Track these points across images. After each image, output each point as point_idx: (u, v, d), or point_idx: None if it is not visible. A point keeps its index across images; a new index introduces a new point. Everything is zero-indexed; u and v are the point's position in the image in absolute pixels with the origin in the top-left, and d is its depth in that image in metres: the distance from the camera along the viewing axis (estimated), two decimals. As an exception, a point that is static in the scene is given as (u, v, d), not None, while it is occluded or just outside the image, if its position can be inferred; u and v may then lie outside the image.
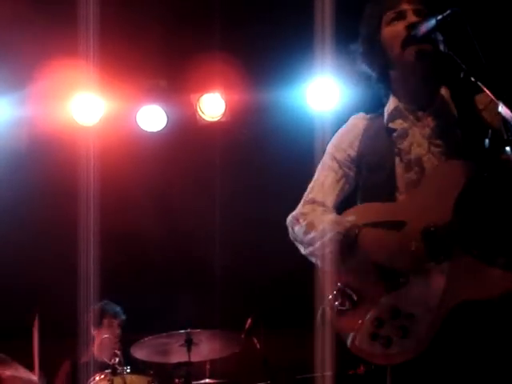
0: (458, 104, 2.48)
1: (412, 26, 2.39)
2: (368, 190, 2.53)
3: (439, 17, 2.23)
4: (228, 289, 5.70)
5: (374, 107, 2.65)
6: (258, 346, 5.00)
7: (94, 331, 5.38)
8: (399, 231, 2.34)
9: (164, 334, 4.77)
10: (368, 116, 2.66)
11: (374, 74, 2.58)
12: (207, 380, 4.94)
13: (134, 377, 4.64)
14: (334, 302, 2.40)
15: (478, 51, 2.09)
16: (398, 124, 2.52)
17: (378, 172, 2.50)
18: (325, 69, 5.14)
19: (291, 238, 2.64)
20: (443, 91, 2.51)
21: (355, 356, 2.40)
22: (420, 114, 2.49)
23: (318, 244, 2.48)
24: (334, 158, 2.63)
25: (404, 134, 2.49)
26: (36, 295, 6.01)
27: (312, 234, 2.51)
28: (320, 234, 2.48)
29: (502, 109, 2.01)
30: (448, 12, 2.20)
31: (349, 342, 2.37)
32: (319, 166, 2.69)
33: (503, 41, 4.52)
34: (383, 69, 2.54)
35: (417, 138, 2.46)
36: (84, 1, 4.60)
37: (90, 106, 5.46)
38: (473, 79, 2.13)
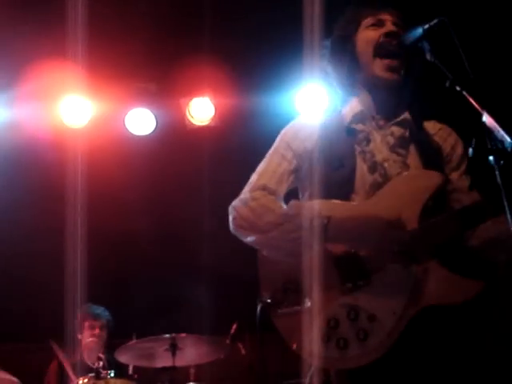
0: (416, 124, 2.51)
1: (389, 34, 2.42)
2: (328, 186, 2.45)
3: (426, 26, 2.24)
4: (214, 293, 5.69)
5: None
6: (244, 351, 4.98)
7: (79, 335, 5.36)
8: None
9: (148, 338, 4.74)
10: (328, 114, 2.66)
11: (337, 76, 2.58)
12: (191, 384, 4.93)
13: (117, 381, 4.62)
14: (278, 298, 2.32)
15: (463, 60, 2.10)
16: (361, 127, 2.53)
17: (339, 168, 2.46)
18: (314, 74, 5.14)
19: (233, 227, 2.51)
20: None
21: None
22: (382, 122, 2.51)
23: (278, 229, 2.39)
24: (290, 148, 2.58)
25: (366, 138, 2.50)
26: (23, 296, 6.00)
27: (269, 218, 2.41)
28: (283, 218, 2.39)
29: (486, 118, 2.02)
30: (435, 21, 2.21)
31: (295, 344, 2.31)
32: (271, 152, 2.63)
33: (488, 50, 4.54)
34: (350, 72, 2.54)
35: (377, 145, 2.48)
36: (73, 2, 4.59)
37: (78, 108, 5.45)
38: (458, 88, 2.13)
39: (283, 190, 2.54)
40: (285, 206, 2.47)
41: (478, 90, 2.08)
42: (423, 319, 2.22)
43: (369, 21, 2.51)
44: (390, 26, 2.46)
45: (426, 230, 2.25)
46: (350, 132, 2.52)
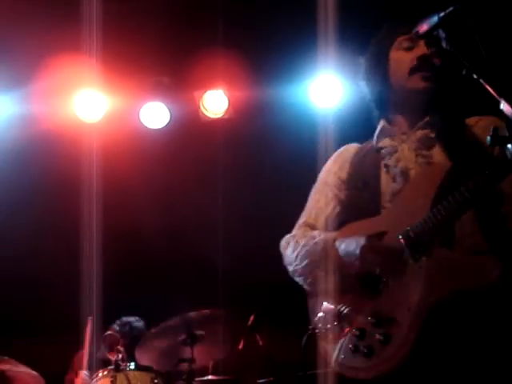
0: (448, 121, 2.48)
1: (424, 58, 2.42)
2: (354, 209, 2.51)
3: (442, 14, 2.23)
4: (231, 285, 5.70)
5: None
6: (261, 342, 4.99)
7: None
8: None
9: (164, 327, 4.71)
10: (361, 144, 2.67)
11: (370, 93, 2.59)
12: (210, 377, 4.93)
13: (137, 373, 4.62)
14: (321, 322, 2.36)
15: (480, 48, 2.09)
16: (387, 142, 2.53)
17: (363, 190, 2.50)
18: (328, 66, 5.14)
19: (284, 263, 2.61)
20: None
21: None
22: (409, 133, 2.50)
23: (298, 258, 2.49)
24: (325, 183, 2.63)
25: (392, 151, 2.50)
26: (38, 290, 6.04)
27: (295, 253, 2.52)
28: (300, 248, 2.49)
29: (504, 106, 2.01)
30: (450, 9, 2.20)
31: (332, 361, 2.32)
32: (311, 192, 2.69)
33: (505, 38, 4.51)
34: (382, 90, 2.54)
35: (405, 153, 2.47)
36: (87, -2, 4.61)
37: (92, 103, 5.47)
38: (475, 76, 2.12)
39: (323, 222, 2.58)
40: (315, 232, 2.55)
41: (495, 78, 2.07)
42: (440, 311, 2.19)
43: (401, 40, 2.50)
44: (423, 49, 2.44)
45: (436, 214, 2.23)
46: (378, 150, 2.54)
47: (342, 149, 2.70)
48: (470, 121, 2.48)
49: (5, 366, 4.24)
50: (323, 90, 5.47)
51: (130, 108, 5.61)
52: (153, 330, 4.67)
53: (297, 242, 2.54)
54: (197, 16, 5.15)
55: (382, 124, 2.57)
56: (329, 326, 2.34)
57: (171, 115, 5.62)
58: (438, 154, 2.42)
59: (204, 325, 4.64)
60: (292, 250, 2.54)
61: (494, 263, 2.17)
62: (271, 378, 5.02)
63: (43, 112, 5.44)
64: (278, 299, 5.99)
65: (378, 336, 2.21)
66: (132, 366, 4.65)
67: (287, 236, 2.62)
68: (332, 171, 2.64)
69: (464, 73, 2.15)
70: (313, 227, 2.58)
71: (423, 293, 2.20)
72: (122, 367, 4.59)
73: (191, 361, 4.58)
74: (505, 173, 2.12)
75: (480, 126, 2.42)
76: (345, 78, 5.30)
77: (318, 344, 2.40)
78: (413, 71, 2.43)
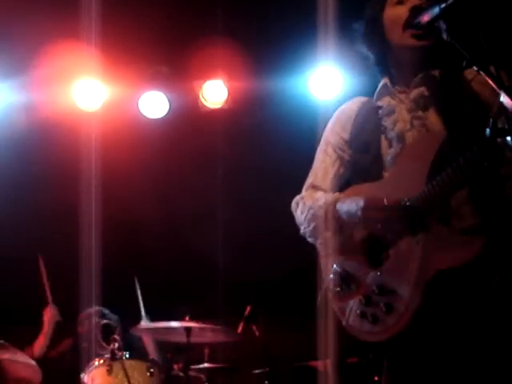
0: (445, 75, 2.47)
1: (415, 8, 2.40)
2: (357, 171, 2.58)
3: (443, 5, 2.22)
4: (229, 276, 5.70)
5: (372, 92, 2.66)
6: (257, 333, 5.01)
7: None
8: None
9: (162, 322, 4.74)
10: (363, 99, 2.67)
11: (371, 56, 2.59)
12: (206, 364, 4.95)
13: (133, 362, 4.64)
14: (331, 283, 2.44)
15: (480, 40, 2.08)
16: (386, 101, 2.54)
17: (366, 152, 2.53)
18: (328, 57, 5.13)
19: (297, 223, 2.68)
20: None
21: (356, 344, 2.43)
22: (407, 91, 2.50)
23: (306, 221, 2.57)
24: (329, 142, 2.67)
25: (390, 112, 2.51)
26: (37, 279, 6.04)
27: (303, 214, 2.59)
28: (307, 211, 2.57)
29: (504, 98, 2.00)
30: (451, 0, 2.19)
31: (343, 321, 2.42)
32: (317, 152, 2.72)
33: (506, 29, 4.50)
34: (381, 51, 2.54)
35: (402, 115, 2.47)
36: (86, -14, 4.59)
37: (92, 92, 5.46)
38: (475, 68, 2.12)
39: (329, 183, 2.64)
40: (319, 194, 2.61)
41: (495, 69, 2.06)
42: (436, 286, 2.24)
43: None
44: (414, 0, 2.44)
45: (433, 188, 2.25)
46: (377, 110, 2.54)
47: (344, 106, 2.70)
48: (469, 74, 2.43)
49: (4, 355, 4.24)
50: (323, 82, 5.46)
51: (129, 97, 5.60)
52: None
53: (304, 203, 2.61)
54: (196, 5, 5.14)
55: (384, 81, 2.57)
56: (338, 288, 2.43)
57: (170, 105, 5.61)
58: (433, 115, 2.42)
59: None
60: (300, 211, 2.61)
61: (481, 243, 2.20)
62: (267, 369, 5.04)
63: (42, 100, 5.43)
64: (276, 291, 6.01)
65: (381, 305, 2.30)
66: (127, 355, 4.66)
67: (297, 197, 2.68)
68: (335, 131, 2.66)
69: (464, 64, 2.15)
70: (320, 188, 2.64)
71: (420, 268, 2.25)
72: (118, 356, 4.60)
73: (187, 348, 4.58)
74: (496, 157, 2.13)
75: (479, 80, 2.37)
76: (345, 70, 5.29)
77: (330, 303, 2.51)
78: (406, 26, 2.42)
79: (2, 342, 4.26)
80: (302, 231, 2.62)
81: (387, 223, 2.32)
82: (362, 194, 2.43)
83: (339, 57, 5.05)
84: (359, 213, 2.36)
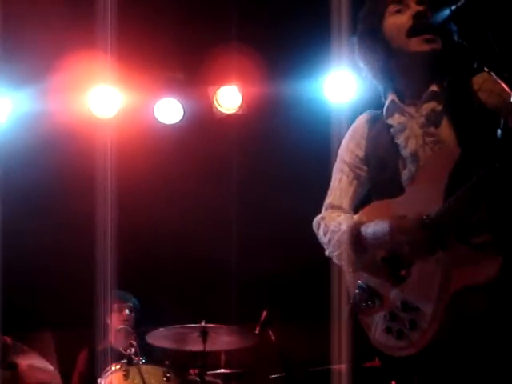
0: (454, 88, 2.44)
1: (418, 15, 2.37)
2: (377, 189, 2.56)
3: (453, 6, 2.21)
4: (244, 281, 5.71)
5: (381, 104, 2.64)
6: (274, 338, 5.00)
7: (107, 319, 5.41)
8: None
9: (179, 326, 4.76)
10: (373, 113, 2.65)
11: (370, 70, 2.55)
12: (222, 370, 4.95)
13: (149, 367, 4.65)
14: (357, 299, 2.46)
15: (491, 41, 2.07)
16: (396, 119, 2.51)
17: (383, 170, 2.51)
18: (342, 61, 5.13)
19: (320, 243, 2.70)
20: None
21: (371, 348, 2.45)
22: (417, 103, 2.47)
23: (331, 245, 2.57)
24: (344, 161, 2.66)
25: (402, 128, 2.48)
26: (53, 286, 6.08)
27: (327, 237, 2.59)
28: (331, 235, 2.57)
29: (515, 100, 2.00)
30: (462, 1, 2.19)
31: (371, 336, 2.44)
32: (333, 171, 2.72)
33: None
34: (384, 62, 2.49)
35: (413, 130, 2.44)
36: (102, -6, 4.63)
37: (107, 99, 5.48)
38: (486, 69, 2.11)
39: (348, 202, 2.65)
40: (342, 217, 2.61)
41: (506, 71, 2.06)
42: (459, 302, 2.22)
43: (392, 8, 2.46)
44: (415, 7, 2.41)
45: (449, 207, 2.23)
46: (389, 128, 2.52)
47: (355, 123, 2.68)
48: (476, 81, 2.40)
49: (22, 360, 4.26)
50: (337, 86, 5.46)
51: (144, 104, 5.62)
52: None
53: (326, 225, 2.61)
54: (211, 12, 5.16)
55: (390, 98, 2.53)
56: (363, 303, 2.44)
57: (185, 111, 5.63)
58: (445, 131, 2.39)
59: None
60: (323, 232, 2.62)
61: (501, 259, 2.17)
62: (283, 374, 5.04)
63: (58, 108, 5.46)
64: (291, 296, 6.01)
65: (405, 321, 2.31)
66: (144, 360, 4.67)
67: (317, 218, 2.68)
68: (349, 149, 2.65)
69: (475, 66, 2.14)
70: (338, 208, 2.65)
71: (441, 285, 2.23)
72: (134, 361, 4.62)
73: (204, 355, 4.58)
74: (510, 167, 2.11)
75: (485, 88, 2.36)
76: (359, 74, 5.28)
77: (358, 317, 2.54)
78: (412, 32, 2.39)
79: (20, 345, 4.27)
80: (327, 253, 2.62)
81: (413, 245, 2.30)
82: (382, 213, 2.42)
83: (353, 61, 5.05)
84: (387, 237, 2.35)
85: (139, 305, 5.47)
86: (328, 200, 2.69)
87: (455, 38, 2.21)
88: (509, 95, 2.03)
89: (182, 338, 4.79)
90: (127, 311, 5.34)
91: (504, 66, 2.08)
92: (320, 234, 2.64)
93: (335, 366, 4.90)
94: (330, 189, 2.71)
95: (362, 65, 2.58)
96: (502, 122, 2.02)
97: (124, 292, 5.46)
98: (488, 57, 2.12)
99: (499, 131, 2.03)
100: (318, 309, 5.27)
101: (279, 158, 5.86)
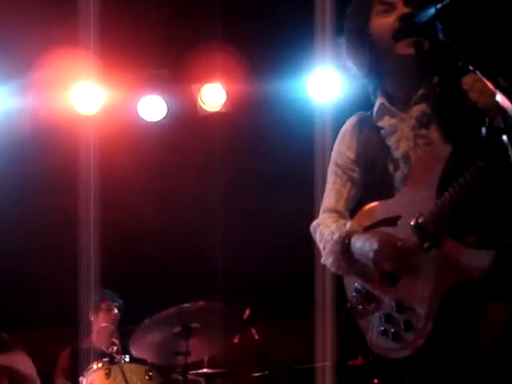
0: (443, 89, 2.44)
1: (404, 18, 2.37)
2: (369, 190, 2.58)
3: (439, 5, 2.21)
4: (227, 279, 5.70)
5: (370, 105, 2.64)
6: (257, 336, 4.99)
7: (91, 317, 5.38)
8: (394, 226, 2.38)
9: (158, 316, 4.65)
10: (362, 115, 2.65)
11: (359, 70, 2.55)
12: (205, 370, 4.93)
13: (131, 366, 4.64)
14: (354, 302, 2.49)
15: (477, 39, 2.07)
16: (386, 121, 2.52)
17: (372, 170, 2.53)
18: (326, 60, 5.13)
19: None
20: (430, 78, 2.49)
21: (355, 347, 2.47)
22: (407, 105, 2.47)
23: (324, 253, 2.59)
24: (337, 164, 2.67)
25: (393, 130, 2.49)
26: (37, 283, 6.04)
27: (321, 244, 2.62)
28: (324, 243, 2.59)
29: (500, 97, 2.00)
30: (447, 0, 2.19)
31: (368, 339, 2.45)
32: (327, 174, 2.73)
33: (502, 29, 4.50)
34: (372, 63, 2.49)
35: (404, 133, 2.46)
36: (84, -11, 4.60)
37: (90, 96, 5.45)
38: (471, 68, 2.11)
39: (343, 205, 2.67)
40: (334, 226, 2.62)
41: (491, 69, 2.06)
42: (452, 300, 2.23)
43: (378, 8, 2.46)
44: (401, 8, 2.41)
45: (441, 204, 2.24)
46: (379, 130, 2.53)
47: (346, 125, 2.69)
48: (466, 81, 2.41)
49: (15, 363, 4.17)
50: (321, 85, 5.46)
51: (127, 101, 5.60)
52: (147, 321, 4.62)
53: (320, 232, 2.63)
54: (195, 9, 5.14)
55: (380, 101, 2.54)
56: (360, 306, 2.47)
57: (169, 108, 5.61)
58: (435, 132, 2.40)
59: (199, 317, 4.60)
60: (318, 239, 2.64)
61: (494, 255, 2.18)
62: (266, 372, 5.03)
63: (40, 104, 5.43)
64: (275, 294, 6.01)
65: (401, 322, 2.32)
66: (127, 358, 4.65)
67: (313, 223, 2.70)
68: (341, 151, 2.66)
69: (460, 64, 2.14)
70: (335, 212, 2.66)
71: (435, 285, 2.24)
72: (116, 360, 4.59)
73: (186, 354, 4.55)
74: (498, 164, 2.11)
75: (476, 88, 2.37)
76: (346, 73, 5.29)
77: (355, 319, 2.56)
78: (397, 36, 2.38)
79: (7, 338, 4.19)
80: (322, 260, 2.64)
81: (399, 265, 2.33)
82: (374, 216, 2.45)
83: (339, 60, 5.05)
84: (371, 255, 2.36)
85: (123, 305, 5.45)
86: (324, 203, 2.71)
87: (440, 36, 2.21)
88: (497, 95, 2.03)
89: (164, 344, 4.67)
90: (116, 311, 5.32)
91: (489, 64, 2.08)
92: (316, 239, 2.67)
93: (319, 365, 4.90)
94: (325, 192, 2.72)
95: (350, 64, 2.57)
96: (487, 120, 2.03)
97: (112, 292, 5.44)
98: (473, 55, 2.12)
99: (484, 129, 2.03)
100: (302, 307, 5.29)
101: (263, 156, 5.86)
